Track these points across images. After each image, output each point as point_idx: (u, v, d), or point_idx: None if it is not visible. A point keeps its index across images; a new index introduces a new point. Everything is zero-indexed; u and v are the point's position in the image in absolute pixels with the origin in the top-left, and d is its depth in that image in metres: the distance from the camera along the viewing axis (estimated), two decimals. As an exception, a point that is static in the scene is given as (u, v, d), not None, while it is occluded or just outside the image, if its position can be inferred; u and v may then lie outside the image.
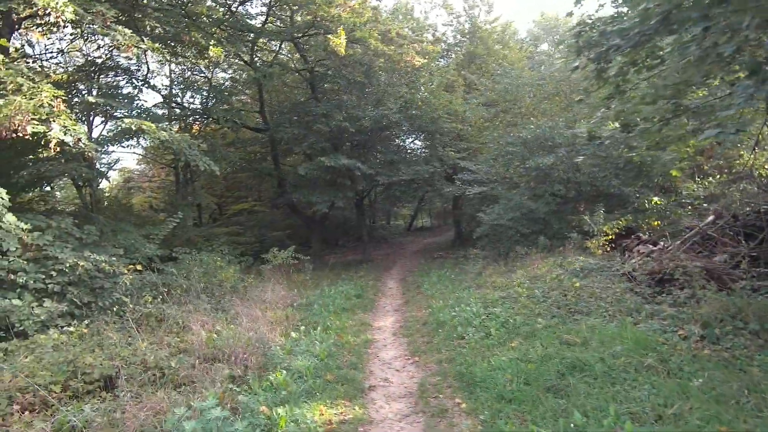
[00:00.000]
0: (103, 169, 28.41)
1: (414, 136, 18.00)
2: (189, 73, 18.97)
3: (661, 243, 9.48)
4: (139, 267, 8.40)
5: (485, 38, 20.38)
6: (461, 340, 6.40)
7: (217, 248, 12.65)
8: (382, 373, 5.62)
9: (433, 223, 43.07)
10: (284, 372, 5.07)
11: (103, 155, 26.08)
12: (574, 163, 13.00)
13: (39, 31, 14.18)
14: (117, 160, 33.50)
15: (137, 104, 13.73)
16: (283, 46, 17.63)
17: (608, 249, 10.78)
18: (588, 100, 12.23)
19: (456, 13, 21.23)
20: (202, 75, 18.30)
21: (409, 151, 18.71)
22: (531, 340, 5.84)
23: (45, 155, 12.12)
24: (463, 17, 21.10)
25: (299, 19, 15.04)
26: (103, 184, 32.53)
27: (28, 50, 15.23)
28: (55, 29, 13.67)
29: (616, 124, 12.19)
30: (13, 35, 12.58)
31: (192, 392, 4.60)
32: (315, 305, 9.31)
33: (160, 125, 9.57)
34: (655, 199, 12.66)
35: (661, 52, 5.96)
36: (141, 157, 29.00)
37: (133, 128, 8.80)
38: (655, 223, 12.19)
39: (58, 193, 27.55)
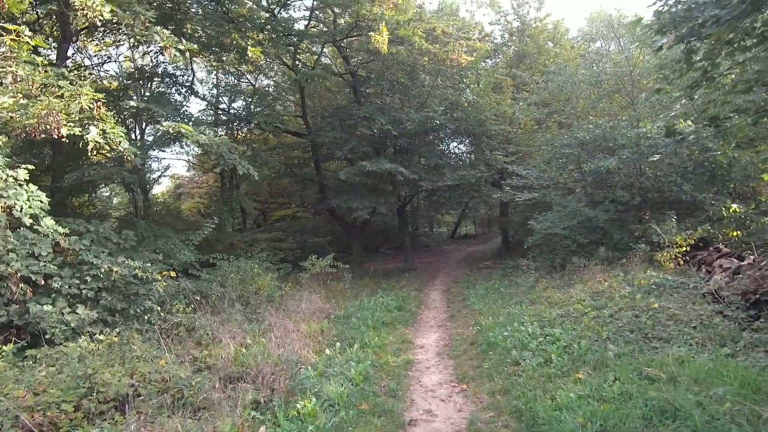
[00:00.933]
0: (153, 176, 29.41)
1: (459, 139, 17.14)
2: (234, 80, 19.21)
3: (751, 257, 8.19)
4: (173, 273, 8.16)
5: (535, 36, 19.29)
6: (516, 366, 5.58)
7: (257, 254, 12.37)
8: (424, 403, 4.91)
9: (477, 231, 41.79)
10: (314, 399, 4.48)
11: (152, 161, 26.98)
12: (638, 167, 11.79)
13: (93, 42, 14.74)
14: (167, 167, 34.81)
15: (183, 110, 13.89)
16: (325, 49, 17.43)
17: (681, 263, 9.54)
18: (656, 95, 11.05)
19: (504, 12, 20.28)
20: (247, 82, 18.40)
21: (453, 155, 17.89)
22: (602, 370, 4.94)
23: (93, 160, 12.42)
24: (511, 15, 20.12)
25: (342, 21, 14.72)
26: (157, 190, 33.93)
27: (86, 62, 15.89)
28: (106, 39, 14.12)
29: (689, 122, 10.95)
30: (70, 47, 13.06)
31: (210, 419, 4.10)
32: (353, 318, 8.72)
33: (199, 128, 9.39)
34: (734, 206, 11.18)
35: (759, 30, 4.95)
36: (189, 163, 30.00)
37: (171, 131, 8.62)
38: (734, 233, 10.78)
39: (116, 198, 28.96)
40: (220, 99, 18.31)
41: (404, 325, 8.57)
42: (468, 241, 34.26)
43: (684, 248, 9.24)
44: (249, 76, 17.94)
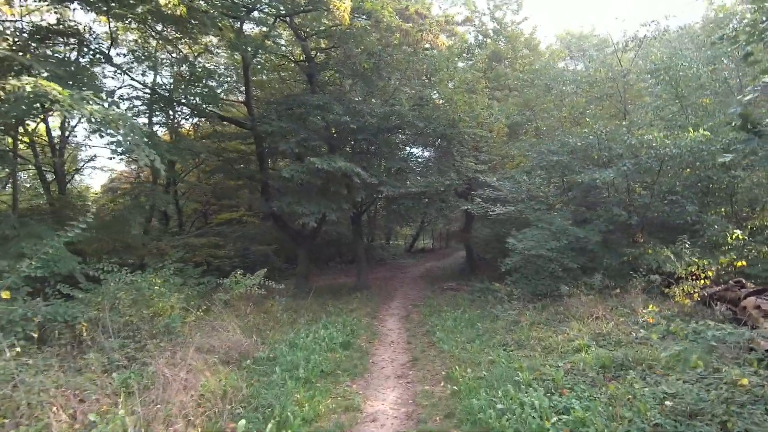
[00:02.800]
0: (76, 166, 25.55)
1: (427, 141, 15.11)
2: (170, 56, 16.35)
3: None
4: (5, 294, 5.40)
5: (512, 39, 17.78)
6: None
7: (169, 264, 9.60)
8: None
9: (435, 246, 40.13)
10: None
11: (72, 147, 23.20)
12: (638, 181, 10.19)
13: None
14: (94, 157, 30.80)
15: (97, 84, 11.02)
16: (281, 32, 15.04)
17: (695, 297, 7.84)
18: (743, 62, 9.49)
19: (480, 12, 18.68)
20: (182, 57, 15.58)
21: (420, 160, 15.82)
22: None
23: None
24: (486, 16, 18.56)
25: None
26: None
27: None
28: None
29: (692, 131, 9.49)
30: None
31: None
32: (280, 363, 6.28)
33: (80, 93, 6.66)
34: (738, 232, 9.70)
35: None
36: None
37: (29, 91, 5.89)
38: (738, 263, 9.29)
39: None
40: (147, 74, 15.32)
41: (350, 375, 6.20)
42: (425, 256, 32.42)
43: (705, 281, 7.53)
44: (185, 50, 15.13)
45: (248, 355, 6.64)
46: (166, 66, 14.63)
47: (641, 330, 6.71)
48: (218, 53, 15.79)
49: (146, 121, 15.76)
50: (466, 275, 17.68)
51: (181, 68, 13.17)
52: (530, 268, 9.92)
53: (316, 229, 16.31)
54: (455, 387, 5.36)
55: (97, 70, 14.56)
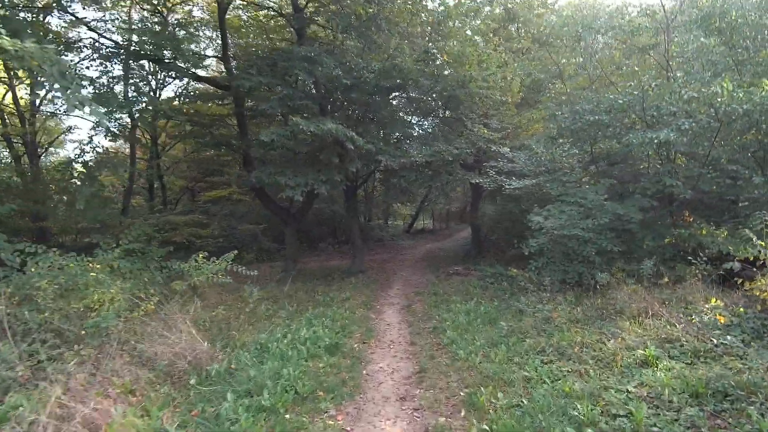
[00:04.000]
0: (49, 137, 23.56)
1: (431, 109, 13.22)
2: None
3: None
4: None
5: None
6: None
7: (125, 244, 7.87)
8: None
9: (435, 226, 38.50)
10: None
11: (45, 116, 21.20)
12: (681, 150, 8.45)
13: None
14: (70, 128, 28.59)
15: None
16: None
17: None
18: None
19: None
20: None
21: (424, 126, 13.92)
22: None
23: None
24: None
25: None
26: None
27: None
28: None
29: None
30: None
31: None
32: (237, 381, 4.62)
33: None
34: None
35: None
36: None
37: None
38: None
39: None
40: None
41: (336, 397, 4.54)
42: (425, 237, 30.79)
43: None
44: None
45: (200, 367, 4.99)
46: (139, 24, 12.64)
47: (723, 335, 5.08)
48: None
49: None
50: (472, 258, 16.05)
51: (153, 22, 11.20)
52: (558, 251, 8.25)
53: (305, 206, 14.60)
54: (485, 426, 3.71)
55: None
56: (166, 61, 10.13)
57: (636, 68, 9.84)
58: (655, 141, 7.01)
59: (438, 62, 10.66)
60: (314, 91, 11.13)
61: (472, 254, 16.37)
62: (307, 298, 9.85)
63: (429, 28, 11.74)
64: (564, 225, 7.77)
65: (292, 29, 12.50)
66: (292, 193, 9.60)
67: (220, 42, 12.37)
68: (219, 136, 11.87)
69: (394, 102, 13.47)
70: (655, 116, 7.93)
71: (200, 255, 7.28)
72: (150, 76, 19.48)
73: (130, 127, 21.04)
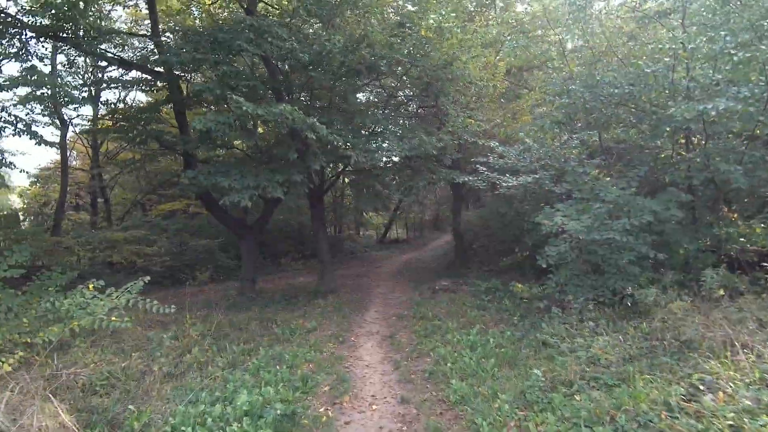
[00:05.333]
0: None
1: (410, 90, 11.34)
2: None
3: None
4: None
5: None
6: None
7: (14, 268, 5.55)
8: None
9: (409, 235, 36.75)
10: None
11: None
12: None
13: None
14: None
15: None
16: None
17: None
18: None
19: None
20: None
21: (402, 116, 11.94)
22: None
23: None
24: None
25: None
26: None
27: None
28: None
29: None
30: None
31: None
32: None
33: None
34: None
35: None
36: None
37: None
38: None
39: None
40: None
41: None
42: (400, 247, 28.97)
43: None
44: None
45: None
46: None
47: None
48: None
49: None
50: (456, 269, 14.23)
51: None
52: (582, 260, 6.47)
53: (264, 217, 12.45)
54: None
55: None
56: (65, 36, 7.87)
57: (648, 42, 8.28)
58: (712, 112, 5.33)
59: (415, 38, 8.79)
60: (268, 74, 9.07)
61: (455, 265, 14.54)
62: (262, 331, 7.69)
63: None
64: (592, 227, 5.98)
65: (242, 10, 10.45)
66: (237, 198, 7.48)
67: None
68: (151, 131, 9.59)
69: (364, 94, 11.58)
70: (698, 84, 6.31)
71: (90, 285, 5.02)
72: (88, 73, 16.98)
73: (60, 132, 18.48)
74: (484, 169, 9.56)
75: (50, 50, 11.54)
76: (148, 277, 5.15)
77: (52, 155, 29.52)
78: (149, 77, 9.75)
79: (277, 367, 5.48)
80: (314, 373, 5.55)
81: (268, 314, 9.05)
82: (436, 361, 5.74)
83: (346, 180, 20.78)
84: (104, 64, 11.87)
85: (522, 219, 10.24)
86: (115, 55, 9.94)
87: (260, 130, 10.91)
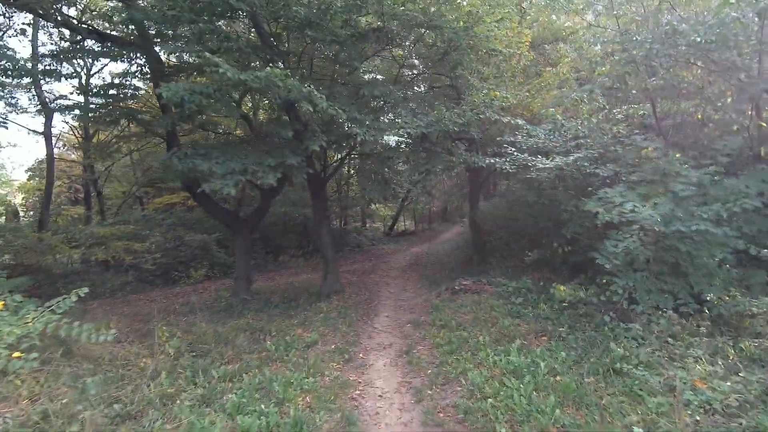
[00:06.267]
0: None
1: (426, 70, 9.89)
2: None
3: None
4: None
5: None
6: None
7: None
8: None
9: (417, 227, 35.35)
10: None
11: None
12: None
13: None
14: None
15: None
16: None
17: None
18: None
19: None
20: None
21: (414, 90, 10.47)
22: None
23: None
24: None
25: None
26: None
27: None
28: None
29: None
30: None
31: None
32: None
33: None
34: None
35: None
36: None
37: None
38: None
39: None
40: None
41: None
42: (408, 240, 27.54)
43: None
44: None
45: None
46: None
47: None
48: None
49: None
50: (474, 265, 12.86)
51: None
52: (658, 259, 5.07)
53: (260, 209, 11.14)
54: None
55: None
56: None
57: None
58: None
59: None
60: (260, 42, 7.66)
61: (473, 260, 13.15)
62: (251, 345, 6.38)
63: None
64: (672, 216, 4.57)
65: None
66: (219, 185, 6.13)
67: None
68: (124, 110, 8.21)
69: (371, 70, 10.15)
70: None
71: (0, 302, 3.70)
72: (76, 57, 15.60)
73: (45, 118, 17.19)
74: (513, 149, 8.14)
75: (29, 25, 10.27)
76: (86, 289, 3.83)
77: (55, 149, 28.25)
78: (121, 48, 8.38)
79: (263, 405, 4.15)
80: (311, 410, 4.23)
81: (262, 322, 7.75)
82: (469, 392, 4.40)
83: (351, 170, 19.43)
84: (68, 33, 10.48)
85: (556, 207, 8.84)
86: (82, 22, 8.56)
87: (248, 106, 9.54)
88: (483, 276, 10.63)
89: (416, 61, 11.21)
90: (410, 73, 11.74)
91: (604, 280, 7.46)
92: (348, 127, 7.22)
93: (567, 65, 12.24)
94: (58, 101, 15.09)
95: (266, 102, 8.24)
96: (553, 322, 6.20)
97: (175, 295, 12.80)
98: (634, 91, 6.96)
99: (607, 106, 8.48)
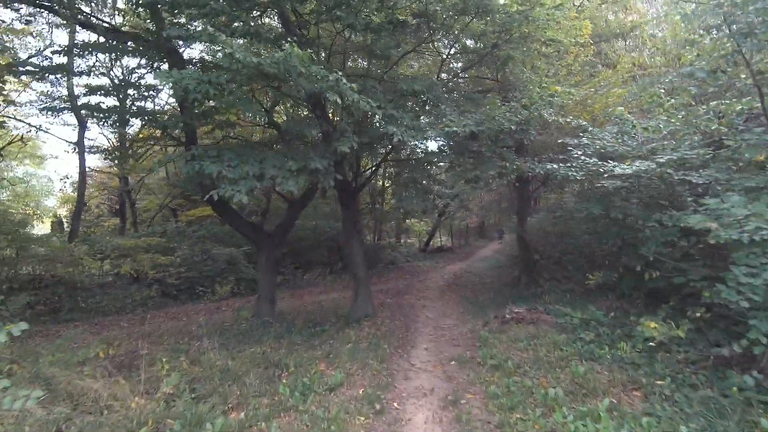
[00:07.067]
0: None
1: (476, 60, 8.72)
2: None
3: None
4: None
5: None
6: None
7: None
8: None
9: (454, 243, 33.86)
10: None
11: None
12: None
13: None
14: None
15: None
16: None
17: None
18: None
19: None
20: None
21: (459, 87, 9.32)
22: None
23: None
24: None
25: None
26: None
27: None
28: None
29: None
30: None
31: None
32: None
33: None
34: None
35: None
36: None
37: None
38: None
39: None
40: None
41: None
42: (445, 256, 26.18)
43: None
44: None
45: None
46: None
47: None
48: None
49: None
50: (523, 287, 11.41)
51: None
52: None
53: (287, 221, 10.21)
54: None
55: None
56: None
57: None
58: None
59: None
60: (282, 26, 6.76)
61: (522, 282, 11.70)
62: (263, 386, 5.28)
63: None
64: None
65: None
66: (231, 192, 5.15)
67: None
68: (137, 109, 7.49)
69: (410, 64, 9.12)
70: None
71: None
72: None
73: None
74: (580, 152, 6.82)
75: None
76: (24, 325, 2.83)
77: (94, 160, 28.71)
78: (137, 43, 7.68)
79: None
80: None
81: (281, 352, 6.67)
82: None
83: (387, 181, 18.39)
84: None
85: (629, 223, 7.41)
86: (99, 20, 7.96)
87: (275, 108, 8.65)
88: (536, 302, 9.21)
89: (458, 63, 10.12)
90: (448, 77, 10.65)
91: (698, 314, 6.02)
92: (383, 126, 6.13)
93: (628, 63, 10.85)
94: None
95: (289, 100, 7.28)
96: (645, 370, 4.79)
97: (197, 312, 12.01)
98: (743, 76, 5.54)
99: (693, 103, 7.08)
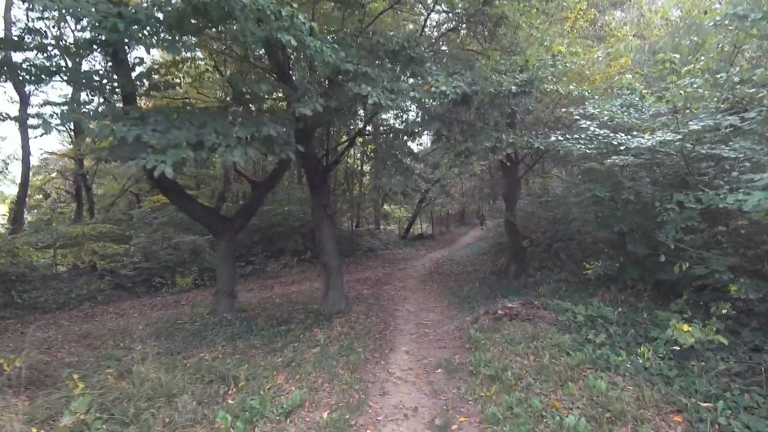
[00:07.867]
0: None
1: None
2: None
3: None
4: None
5: None
6: None
7: None
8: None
9: (434, 230, 33.02)
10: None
11: None
12: None
13: None
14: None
15: None
16: None
17: None
18: None
19: None
20: None
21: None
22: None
23: None
24: None
25: None
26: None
27: None
28: None
29: None
30: None
31: None
32: None
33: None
34: None
35: None
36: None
37: None
38: None
39: None
40: None
41: None
42: (426, 244, 25.26)
43: None
44: None
45: None
46: None
47: None
48: None
49: None
50: (512, 276, 10.50)
51: None
52: None
53: (249, 206, 9.01)
54: None
55: None
56: None
57: None
58: None
59: None
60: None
61: (511, 271, 10.77)
62: (199, 411, 4.14)
63: None
64: None
65: None
66: (154, 163, 3.94)
67: None
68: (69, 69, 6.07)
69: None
70: None
71: None
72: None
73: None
74: (588, 123, 5.81)
75: None
76: None
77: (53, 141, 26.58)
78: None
79: None
80: None
81: (234, 359, 5.54)
82: None
83: (364, 160, 17.20)
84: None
85: (642, 205, 6.49)
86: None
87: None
88: (529, 294, 8.29)
89: (444, 26, 8.96)
90: (432, 35, 9.44)
91: (724, 310, 5.16)
92: (358, 86, 4.96)
93: (628, 33, 9.95)
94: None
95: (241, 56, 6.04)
96: (680, 384, 3.85)
97: (151, 307, 10.73)
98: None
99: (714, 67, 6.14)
